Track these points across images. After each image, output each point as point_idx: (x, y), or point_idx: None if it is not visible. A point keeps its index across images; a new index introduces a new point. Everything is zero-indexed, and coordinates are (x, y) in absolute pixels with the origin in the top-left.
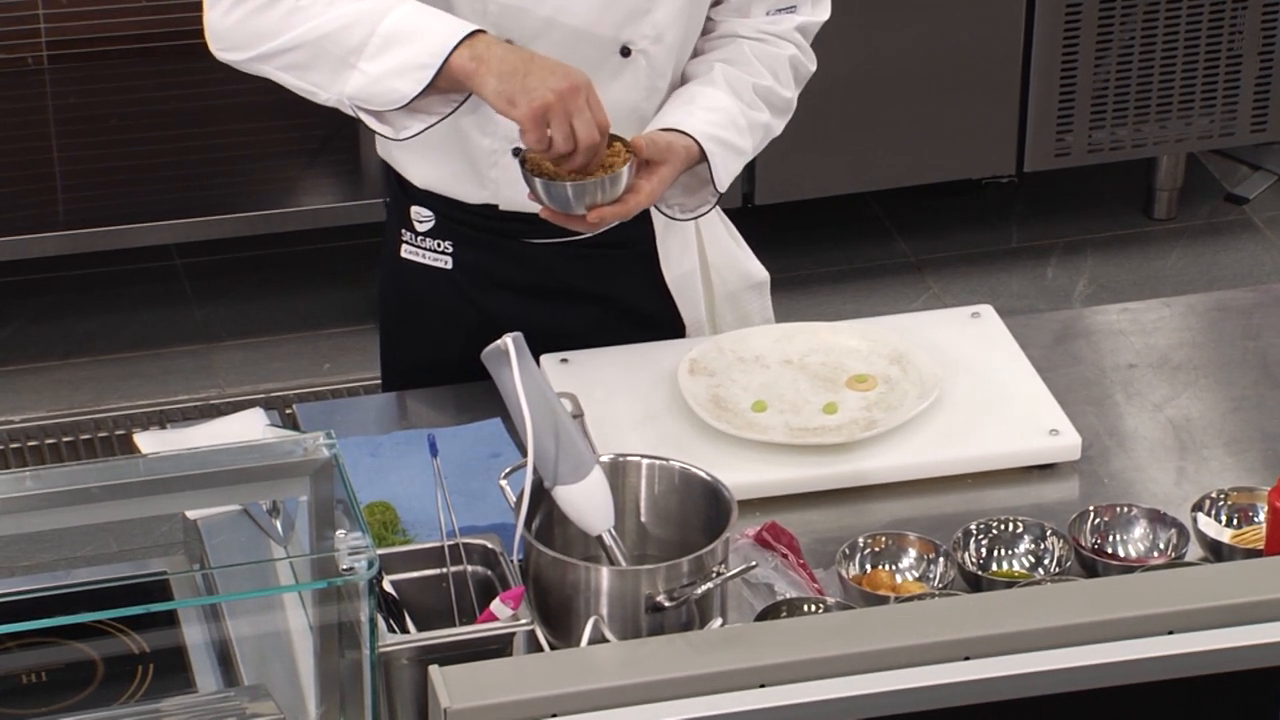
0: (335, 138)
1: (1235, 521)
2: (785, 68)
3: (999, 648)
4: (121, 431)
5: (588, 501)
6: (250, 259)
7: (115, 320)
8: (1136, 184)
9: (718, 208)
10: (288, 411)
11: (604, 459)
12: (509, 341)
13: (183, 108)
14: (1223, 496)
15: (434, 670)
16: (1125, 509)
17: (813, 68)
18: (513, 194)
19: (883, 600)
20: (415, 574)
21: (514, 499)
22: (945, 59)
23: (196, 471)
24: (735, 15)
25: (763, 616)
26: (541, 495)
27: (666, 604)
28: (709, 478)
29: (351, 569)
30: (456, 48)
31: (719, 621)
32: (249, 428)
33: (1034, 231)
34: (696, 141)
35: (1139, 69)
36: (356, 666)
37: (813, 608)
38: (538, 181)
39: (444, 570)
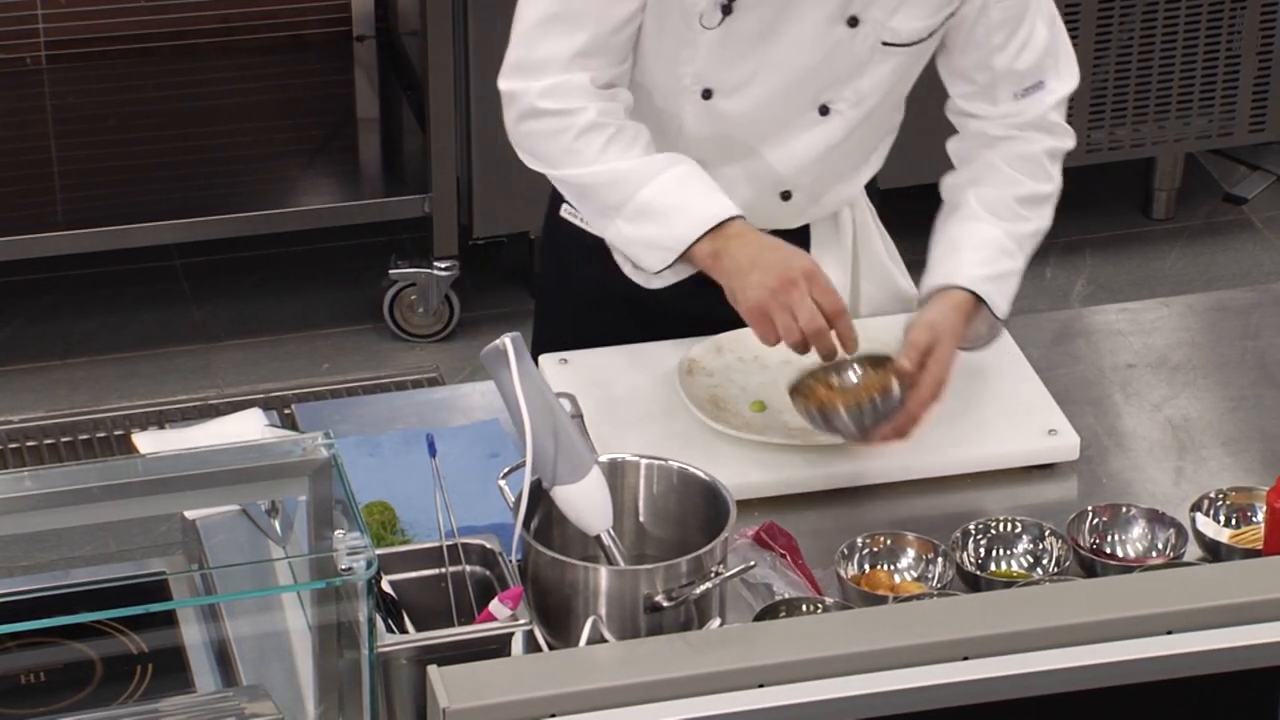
0: (335, 138)
1: (1234, 521)
2: (1041, 163)
3: (997, 648)
4: (120, 431)
5: (586, 501)
6: (250, 259)
7: (114, 320)
8: (1135, 184)
9: (878, 224)
10: (286, 412)
11: (602, 459)
12: (507, 342)
13: (183, 108)
14: (1221, 496)
15: (433, 670)
16: (1124, 509)
17: (1071, 144)
18: None
19: (881, 600)
20: (414, 574)
21: (513, 499)
22: None
23: (195, 471)
24: (982, 101)
25: (761, 616)
26: (540, 495)
27: (665, 604)
28: (707, 478)
29: (350, 569)
30: (699, 239)
31: (717, 621)
32: (248, 428)
33: None
34: (970, 290)
35: (1138, 69)
36: (355, 666)
37: (811, 608)
38: (814, 412)
39: (443, 570)
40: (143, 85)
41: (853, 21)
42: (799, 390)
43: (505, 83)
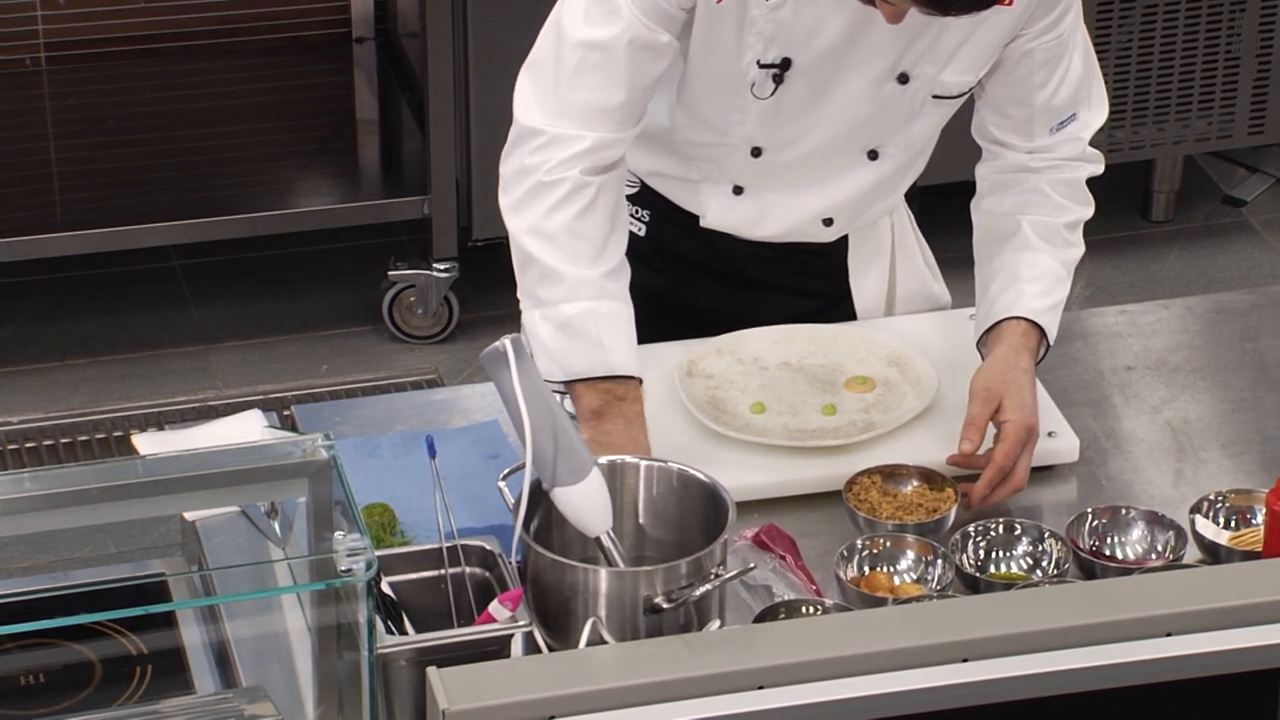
0: (335, 138)
1: (1233, 523)
2: (1082, 189)
3: (997, 649)
4: (120, 433)
5: (586, 503)
6: (249, 260)
7: (113, 321)
8: (1134, 186)
9: (915, 229)
10: (286, 413)
11: (602, 460)
12: (507, 343)
13: (182, 108)
14: (1220, 498)
15: (432, 672)
16: (1123, 511)
17: (1102, 168)
18: (716, 220)
19: (881, 602)
20: (413, 575)
21: (512, 500)
22: None
23: (195, 473)
24: (1017, 136)
25: (761, 618)
26: (540, 497)
27: (665, 606)
28: (707, 479)
29: (350, 570)
30: (578, 382)
31: (717, 623)
32: (247, 429)
33: None
34: (1032, 322)
35: (1137, 71)
36: (355, 668)
37: (811, 609)
38: (860, 517)
39: (442, 572)
40: (143, 86)
41: (903, 78)
42: (851, 483)
43: (526, 117)
